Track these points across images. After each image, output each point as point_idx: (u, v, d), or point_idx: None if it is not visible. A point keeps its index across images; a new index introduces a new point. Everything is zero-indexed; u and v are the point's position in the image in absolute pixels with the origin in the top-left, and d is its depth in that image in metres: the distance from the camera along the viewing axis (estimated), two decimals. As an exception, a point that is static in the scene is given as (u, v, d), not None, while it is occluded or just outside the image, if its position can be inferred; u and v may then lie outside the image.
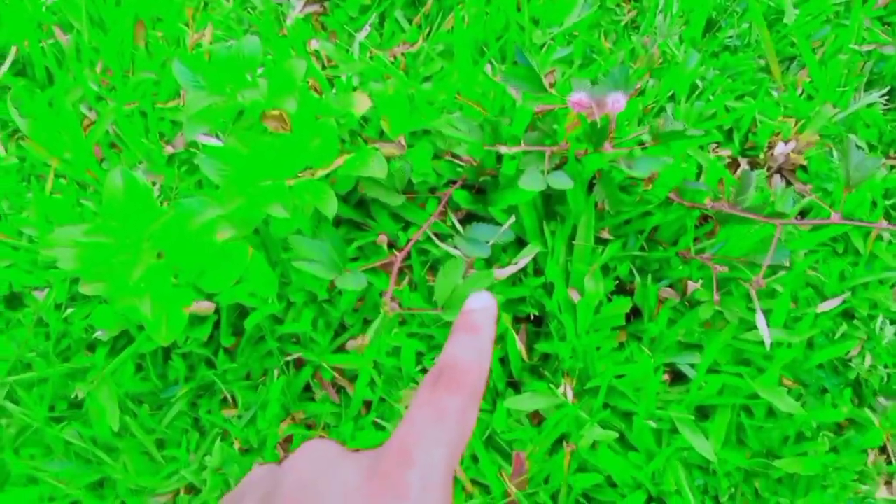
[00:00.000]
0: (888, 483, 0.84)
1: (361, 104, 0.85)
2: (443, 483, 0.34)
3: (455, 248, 0.82)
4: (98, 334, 0.78)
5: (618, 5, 1.13)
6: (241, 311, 0.82)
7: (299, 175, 0.74)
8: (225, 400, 0.80)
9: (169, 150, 0.92)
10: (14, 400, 0.78)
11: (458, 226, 0.85)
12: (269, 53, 1.00)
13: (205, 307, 0.79)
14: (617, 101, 0.70)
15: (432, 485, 0.33)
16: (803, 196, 0.94)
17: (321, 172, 0.76)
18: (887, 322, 0.89)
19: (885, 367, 0.86)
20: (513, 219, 0.81)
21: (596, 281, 0.80)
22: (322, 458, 0.35)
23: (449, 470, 0.35)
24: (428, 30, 1.09)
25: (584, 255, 0.83)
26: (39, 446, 0.78)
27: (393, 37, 1.08)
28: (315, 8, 1.12)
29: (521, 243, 0.87)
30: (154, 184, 0.88)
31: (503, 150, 0.77)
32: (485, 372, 0.40)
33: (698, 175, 0.92)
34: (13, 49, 1.00)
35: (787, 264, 0.86)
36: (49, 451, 0.78)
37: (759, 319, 0.79)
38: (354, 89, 0.96)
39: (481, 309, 0.45)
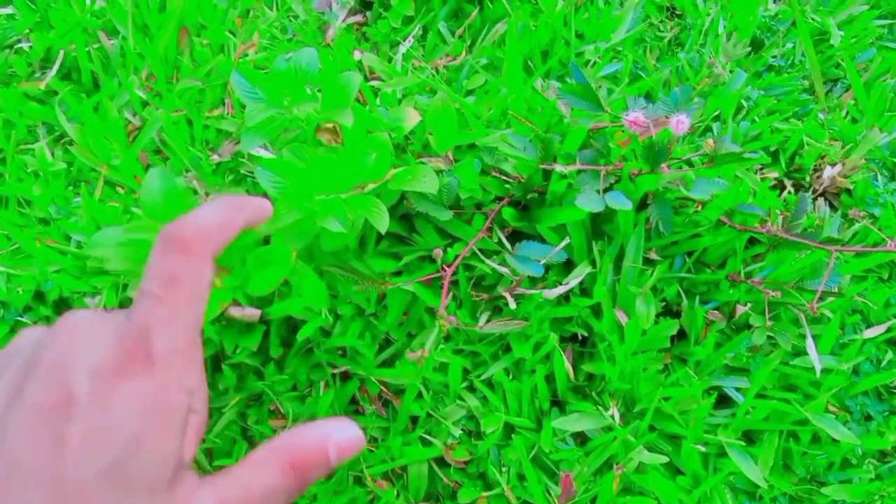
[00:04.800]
0: (931, 512, 0.84)
1: (411, 118, 0.85)
2: (186, 348, 0.36)
3: (501, 265, 0.81)
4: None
5: (661, 21, 1.13)
6: (290, 323, 0.81)
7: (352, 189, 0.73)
8: (272, 411, 0.80)
9: (215, 158, 0.92)
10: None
11: (505, 243, 0.85)
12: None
13: (251, 313, 0.79)
14: (682, 123, 0.70)
15: (175, 351, 0.36)
16: (852, 221, 0.93)
17: (371, 186, 0.76)
18: (933, 350, 0.88)
19: (932, 395, 0.86)
20: (567, 240, 0.80)
21: (647, 304, 0.80)
22: (78, 330, 0.36)
23: (190, 334, 0.37)
24: (471, 42, 1.08)
25: (633, 277, 0.82)
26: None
27: (435, 49, 1.08)
28: (357, 18, 1.12)
29: (567, 262, 0.86)
30: (207, 194, 0.88)
31: (559, 168, 0.77)
32: (223, 242, 0.41)
33: (747, 198, 0.92)
34: (60, 53, 1.00)
35: (838, 290, 0.85)
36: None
37: (811, 346, 0.79)
38: (399, 102, 0.96)
39: (254, 200, 0.49)
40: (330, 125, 0.78)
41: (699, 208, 0.85)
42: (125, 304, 0.82)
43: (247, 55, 1.01)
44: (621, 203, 0.72)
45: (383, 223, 0.73)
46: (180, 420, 0.35)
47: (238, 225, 0.44)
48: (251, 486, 0.36)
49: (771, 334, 0.81)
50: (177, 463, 0.35)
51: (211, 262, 0.40)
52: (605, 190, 0.75)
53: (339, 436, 0.39)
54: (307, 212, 0.70)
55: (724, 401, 0.84)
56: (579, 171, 0.77)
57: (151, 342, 0.35)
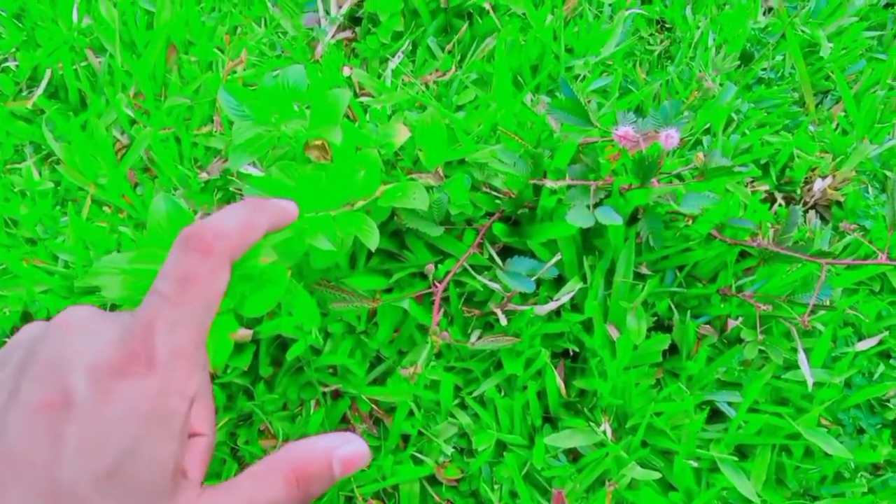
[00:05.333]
0: (926, 525, 0.84)
1: (401, 134, 0.85)
2: (190, 351, 0.35)
3: (492, 281, 0.81)
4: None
5: (651, 34, 1.13)
6: (280, 341, 0.81)
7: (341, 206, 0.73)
8: (263, 431, 0.80)
9: (204, 176, 0.91)
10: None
11: (496, 258, 0.84)
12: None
13: (242, 335, 0.78)
14: (671, 137, 0.70)
15: (178, 354, 0.34)
16: (843, 233, 0.93)
17: (361, 203, 0.75)
18: (925, 362, 0.88)
19: (924, 407, 0.86)
20: (559, 255, 0.80)
21: (638, 319, 0.79)
22: (77, 327, 0.35)
23: (196, 338, 0.36)
24: (460, 57, 1.08)
25: (624, 292, 0.82)
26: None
27: (425, 64, 1.08)
28: (347, 34, 1.12)
29: (558, 277, 0.86)
30: (195, 212, 0.87)
31: (549, 184, 0.77)
32: (243, 245, 0.40)
33: (737, 211, 0.92)
34: (47, 72, 0.99)
35: (829, 303, 0.85)
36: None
37: (802, 360, 0.79)
38: (389, 118, 0.96)
39: (279, 203, 0.46)
40: (319, 142, 0.78)
41: (690, 222, 0.85)
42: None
43: (235, 72, 1.00)
44: (611, 218, 0.72)
45: (373, 241, 0.73)
46: (179, 426, 0.34)
47: (261, 228, 0.43)
48: (254, 498, 0.36)
49: (762, 348, 0.80)
50: (175, 471, 0.34)
51: (228, 266, 0.39)
52: (596, 205, 0.75)
53: (343, 449, 0.38)
54: (296, 230, 0.70)
55: (716, 415, 0.84)
56: (569, 187, 0.77)
57: (154, 342, 0.34)
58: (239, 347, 0.78)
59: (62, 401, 0.32)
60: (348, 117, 0.99)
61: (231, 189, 0.90)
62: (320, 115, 0.74)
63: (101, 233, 0.85)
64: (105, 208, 0.90)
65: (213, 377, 0.78)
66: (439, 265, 0.85)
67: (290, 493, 0.36)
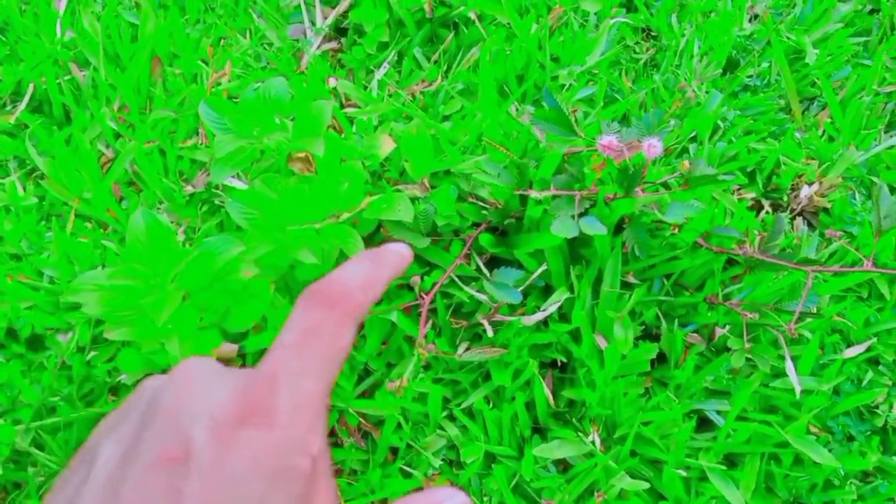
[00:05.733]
0: (916, 531, 0.83)
1: (386, 146, 0.84)
2: (313, 406, 0.34)
3: (479, 292, 0.81)
4: (122, 378, 0.77)
5: (637, 43, 1.13)
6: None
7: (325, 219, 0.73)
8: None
9: (189, 189, 0.91)
10: (39, 446, 0.76)
11: (483, 269, 0.84)
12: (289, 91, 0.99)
13: (228, 350, 0.77)
14: (653, 147, 0.70)
15: (302, 407, 0.33)
16: (830, 240, 0.93)
17: (346, 215, 0.75)
18: (914, 368, 0.88)
19: (913, 414, 0.85)
20: (544, 266, 0.80)
21: (625, 328, 0.79)
22: (198, 378, 0.34)
23: (320, 393, 0.35)
24: (446, 67, 1.08)
25: (611, 301, 0.82)
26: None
27: (411, 74, 1.08)
28: (332, 45, 1.12)
29: (545, 286, 0.86)
30: (178, 225, 0.87)
31: (534, 194, 0.77)
32: (368, 301, 0.39)
33: (724, 219, 0.91)
34: (31, 86, 0.99)
35: (816, 311, 0.85)
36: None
37: (790, 368, 0.78)
38: (375, 128, 0.96)
39: (396, 251, 0.44)
40: (302, 154, 0.77)
41: (676, 231, 0.84)
42: (99, 340, 0.80)
43: (220, 84, 1.00)
44: (596, 228, 0.72)
45: (358, 253, 0.72)
46: (301, 487, 0.33)
47: (383, 281, 0.42)
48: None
49: (750, 356, 0.80)
50: None
51: (354, 322, 0.37)
52: (581, 215, 0.75)
53: (389, 245, 0.39)
54: (280, 243, 0.70)
55: (705, 424, 0.84)
56: (554, 197, 0.77)
57: (278, 393, 0.33)
58: (225, 363, 0.77)
59: (182, 455, 0.31)
60: (334, 128, 0.99)
61: (216, 202, 0.90)
62: (303, 127, 0.74)
63: (86, 248, 0.84)
64: (87, 224, 0.89)
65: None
66: (426, 276, 0.84)
67: None
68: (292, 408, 0.33)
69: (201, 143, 0.96)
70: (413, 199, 0.85)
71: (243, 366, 0.79)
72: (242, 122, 0.70)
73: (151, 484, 0.30)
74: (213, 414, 0.32)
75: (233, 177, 0.87)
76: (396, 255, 0.43)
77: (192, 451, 0.31)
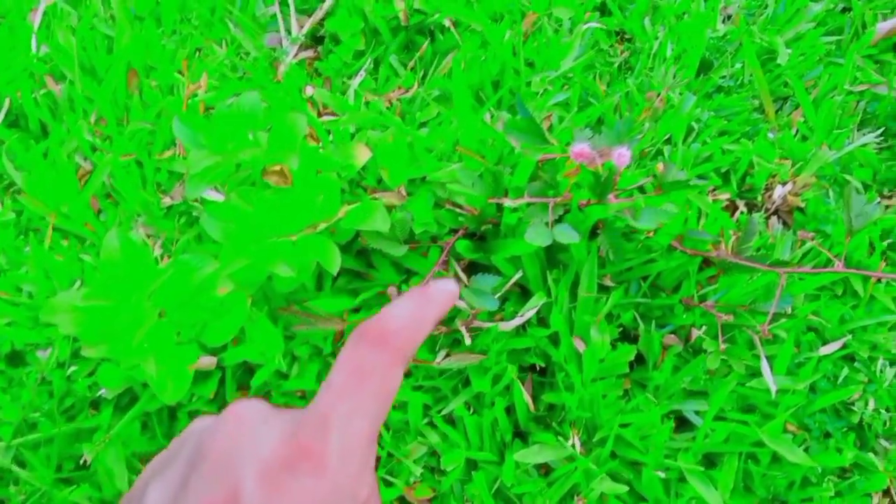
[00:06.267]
0: (893, 525, 0.85)
1: (362, 155, 0.85)
2: (363, 449, 0.34)
3: (459, 299, 0.81)
4: (102, 393, 0.77)
5: (611, 46, 1.14)
6: (247, 367, 0.81)
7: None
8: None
9: (167, 201, 0.91)
10: (21, 463, 0.76)
11: (461, 275, 0.85)
12: (264, 101, 0.99)
13: (207, 363, 0.78)
14: (622, 156, 0.70)
15: (351, 451, 0.33)
16: (803, 240, 0.94)
17: (323, 226, 0.75)
18: (887, 364, 0.89)
19: (887, 410, 0.87)
20: (520, 273, 0.80)
21: (601, 332, 0.80)
22: (247, 421, 0.34)
23: (370, 435, 0.34)
24: (423, 74, 1.09)
25: (588, 305, 0.82)
26: (48, 511, 0.77)
27: (388, 82, 1.08)
28: (309, 53, 1.12)
29: (523, 291, 0.87)
30: (150, 237, 0.87)
31: (507, 202, 0.77)
32: (417, 341, 0.39)
33: (698, 220, 0.92)
34: (6, 100, 0.99)
35: (790, 311, 0.86)
36: (57, 515, 0.77)
37: (765, 369, 0.79)
38: (352, 136, 0.96)
39: (443, 288, 0.43)
40: (277, 167, 0.78)
41: (651, 234, 0.85)
42: (79, 354, 0.81)
43: (196, 95, 1.00)
44: (569, 236, 0.72)
45: (334, 265, 0.73)
46: None
47: (431, 320, 0.41)
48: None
49: (726, 358, 0.81)
50: None
51: (404, 362, 0.37)
52: (556, 221, 0.76)
53: (436, 282, 0.39)
54: (256, 257, 0.70)
55: (684, 424, 0.85)
56: (529, 204, 0.78)
57: (328, 438, 0.32)
58: (204, 375, 0.77)
59: (230, 500, 0.31)
60: (312, 136, 0.99)
61: (194, 214, 0.90)
62: (278, 141, 0.74)
63: (64, 262, 0.84)
64: (63, 241, 0.89)
65: (180, 406, 0.78)
66: (404, 283, 0.85)
67: None
68: (342, 453, 0.32)
69: (179, 155, 0.96)
70: (390, 207, 0.85)
71: (223, 380, 0.79)
72: (216, 138, 0.71)
73: None
74: (262, 458, 0.32)
75: (210, 189, 0.88)
76: (444, 293, 0.43)
77: (240, 497, 0.31)
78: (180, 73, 1.03)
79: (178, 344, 0.67)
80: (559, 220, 0.77)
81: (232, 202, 0.72)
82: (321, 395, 0.34)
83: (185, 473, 0.33)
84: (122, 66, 1.01)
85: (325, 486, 0.31)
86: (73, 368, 0.79)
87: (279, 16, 1.14)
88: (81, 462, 0.76)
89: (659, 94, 1.01)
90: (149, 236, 0.88)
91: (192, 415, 0.79)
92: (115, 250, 0.61)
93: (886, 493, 0.86)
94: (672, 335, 0.86)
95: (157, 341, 0.63)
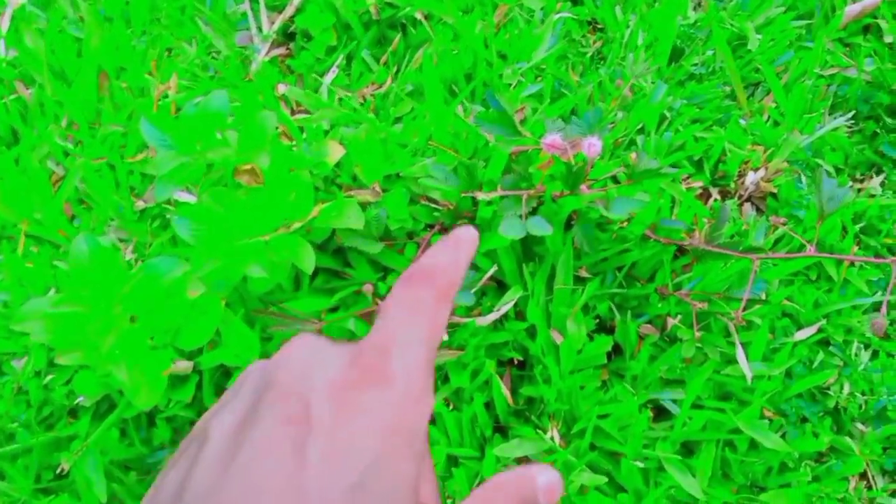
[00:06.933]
0: (870, 507, 0.86)
1: (335, 153, 0.84)
2: (424, 371, 0.35)
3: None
4: (80, 400, 0.77)
5: (583, 36, 1.14)
6: (224, 370, 0.80)
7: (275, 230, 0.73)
8: (209, 462, 0.79)
9: (140, 204, 0.90)
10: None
11: (437, 271, 0.85)
12: (236, 100, 0.98)
13: (183, 367, 0.77)
14: (593, 146, 0.71)
15: (414, 371, 0.34)
16: (776, 226, 0.95)
17: (297, 225, 0.75)
18: (862, 348, 0.90)
19: (863, 393, 0.87)
20: (495, 267, 0.81)
21: (578, 324, 0.80)
22: (309, 350, 0.35)
23: (429, 361, 0.36)
24: (396, 68, 1.08)
25: (564, 297, 0.83)
26: (27, 520, 0.76)
27: (361, 77, 1.08)
28: (281, 51, 1.12)
29: (500, 285, 0.87)
30: (123, 241, 0.87)
31: (480, 196, 0.77)
32: (457, 281, 0.40)
33: (672, 208, 0.93)
34: (-25, 107, 0.98)
35: (764, 297, 0.87)
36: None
37: (740, 356, 0.80)
38: (326, 133, 0.96)
39: (466, 234, 0.47)
40: (248, 167, 0.77)
41: (625, 224, 0.86)
42: (54, 363, 0.80)
43: (167, 96, 0.99)
44: (542, 229, 0.72)
45: (309, 264, 0.72)
46: (419, 446, 0.33)
47: (465, 265, 0.44)
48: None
49: (700, 345, 0.82)
50: (414, 493, 0.33)
51: (450, 301, 0.39)
52: (531, 213, 0.76)
53: (541, 479, 0.38)
54: (228, 259, 0.70)
55: (662, 413, 0.85)
56: (502, 197, 0.78)
57: (390, 358, 0.34)
58: (181, 379, 0.77)
59: (303, 416, 0.32)
60: (286, 135, 0.99)
61: (168, 217, 0.90)
62: (248, 140, 0.74)
63: (38, 270, 0.84)
64: (33, 248, 0.88)
65: (158, 411, 0.78)
66: (381, 282, 0.85)
67: None
68: (405, 372, 0.34)
69: (152, 157, 0.95)
70: (366, 204, 0.85)
71: (200, 384, 0.79)
72: (184, 139, 0.70)
73: (273, 441, 0.31)
74: (329, 379, 0.33)
75: (183, 190, 0.87)
76: (468, 241, 0.46)
77: (311, 412, 0.32)
78: (150, 74, 1.02)
79: (152, 349, 0.67)
80: (533, 213, 0.78)
81: (203, 203, 0.72)
82: (377, 327, 0.36)
83: (253, 401, 0.34)
84: (92, 68, 1.00)
85: (393, 398, 0.33)
86: (50, 377, 0.78)
87: (250, 13, 1.13)
88: (60, 471, 0.76)
89: (627, 83, 1.01)
90: (122, 240, 0.88)
91: (171, 420, 0.78)
92: (83, 255, 0.60)
93: (863, 475, 0.87)
94: (648, 324, 0.86)
95: (129, 347, 0.62)
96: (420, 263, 0.39)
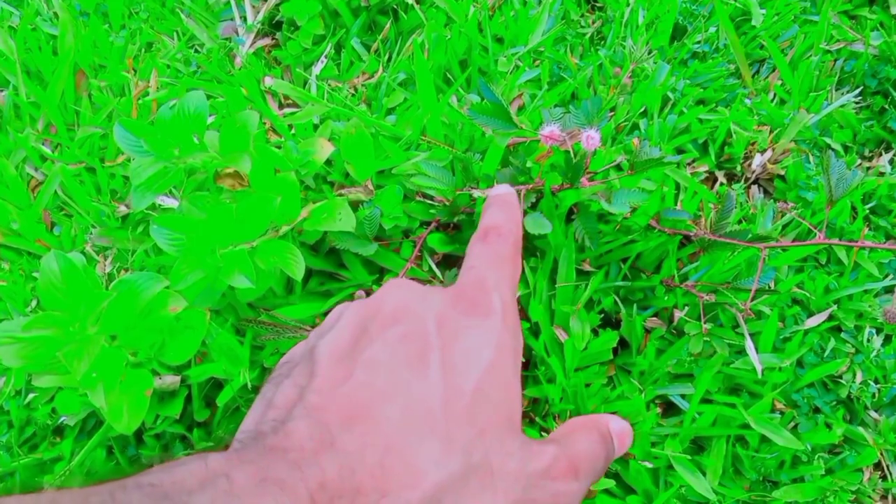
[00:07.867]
0: (884, 498, 0.83)
1: (323, 150, 0.81)
2: (515, 308, 0.41)
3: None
4: (63, 419, 0.74)
5: (582, 16, 1.10)
6: (215, 382, 0.77)
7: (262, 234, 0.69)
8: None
9: (123, 209, 0.87)
10: (-21, 499, 0.73)
11: (435, 270, 0.82)
12: (220, 96, 0.95)
13: (170, 381, 0.74)
14: (591, 139, 0.67)
15: (510, 307, 0.40)
16: (783, 212, 0.91)
17: (285, 229, 0.72)
18: (874, 333, 0.87)
19: (876, 381, 0.84)
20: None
21: (581, 321, 0.77)
22: (409, 289, 0.40)
23: (515, 301, 0.42)
24: (387, 56, 1.04)
25: (568, 294, 0.79)
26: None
27: (351, 67, 1.04)
28: (266, 41, 1.08)
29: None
30: (105, 249, 0.83)
31: (476, 193, 0.74)
32: (521, 233, 0.48)
33: (677, 195, 0.89)
34: (-53, 112, 0.94)
35: (773, 285, 0.84)
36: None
37: (750, 349, 0.77)
38: (316, 128, 0.92)
39: (507, 194, 0.53)
40: (231, 170, 0.74)
41: (629, 215, 0.82)
42: (29, 384, 0.77)
43: (147, 94, 0.96)
44: (542, 226, 0.69)
45: (299, 270, 0.69)
46: (519, 363, 0.38)
47: (520, 218, 0.50)
48: (581, 447, 0.39)
49: (708, 338, 0.79)
50: (520, 405, 0.37)
51: (521, 248, 0.46)
52: (530, 208, 0.73)
53: (614, 424, 0.42)
54: (211, 268, 0.66)
55: (671, 409, 0.82)
56: (499, 193, 0.74)
57: (490, 297, 0.39)
58: (170, 394, 0.74)
59: (417, 332, 0.35)
60: (274, 131, 0.95)
61: (151, 222, 0.86)
62: (229, 142, 0.70)
63: (17, 285, 0.81)
64: (4, 264, 0.84)
65: (145, 429, 0.75)
66: (375, 285, 0.82)
67: (606, 448, 0.40)
68: (503, 306, 0.39)
69: (132, 159, 0.92)
70: (359, 203, 0.82)
71: (189, 398, 0.76)
72: (160, 143, 0.66)
73: (398, 355, 0.35)
74: (436, 310, 0.37)
75: (166, 195, 0.84)
76: (512, 197, 0.53)
77: (427, 332, 0.36)
78: (128, 71, 0.98)
79: (134, 366, 0.64)
80: (533, 207, 0.74)
81: (182, 211, 0.68)
82: (468, 276, 0.41)
83: (360, 324, 0.37)
84: (68, 67, 0.96)
85: (495, 324, 0.37)
86: (31, 396, 0.75)
87: (233, 2, 1.09)
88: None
89: (626, 70, 0.97)
90: (105, 248, 0.84)
91: (159, 437, 0.75)
92: (55, 274, 0.57)
93: (878, 466, 0.84)
94: (654, 317, 0.83)
95: (107, 369, 0.59)
96: (487, 224, 0.47)
